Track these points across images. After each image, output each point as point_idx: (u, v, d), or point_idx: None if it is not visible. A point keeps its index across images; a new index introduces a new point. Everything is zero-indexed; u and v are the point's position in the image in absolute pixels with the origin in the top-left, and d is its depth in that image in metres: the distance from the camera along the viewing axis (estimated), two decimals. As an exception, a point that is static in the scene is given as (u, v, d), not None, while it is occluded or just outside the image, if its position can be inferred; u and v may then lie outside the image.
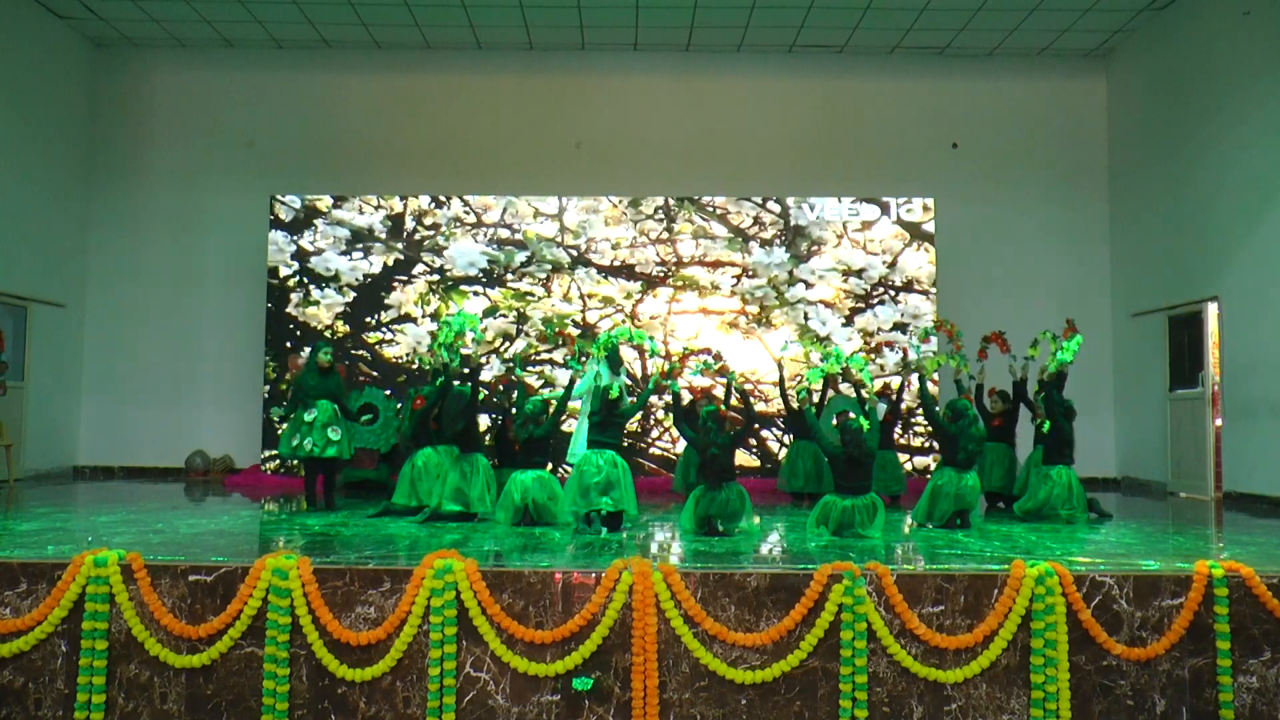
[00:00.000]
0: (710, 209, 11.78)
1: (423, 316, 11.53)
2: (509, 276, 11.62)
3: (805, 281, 11.63)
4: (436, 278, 11.60)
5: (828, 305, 11.60)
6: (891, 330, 11.55)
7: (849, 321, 11.59)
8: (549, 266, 11.63)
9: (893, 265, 11.63)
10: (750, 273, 11.65)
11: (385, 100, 12.51)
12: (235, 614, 4.97)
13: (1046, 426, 8.04)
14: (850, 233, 11.68)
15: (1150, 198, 11.62)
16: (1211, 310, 10.45)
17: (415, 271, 11.61)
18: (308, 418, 7.96)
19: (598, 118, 12.54)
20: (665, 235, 11.71)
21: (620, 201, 11.75)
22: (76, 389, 12.18)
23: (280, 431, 8.58)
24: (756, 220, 11.74)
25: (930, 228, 11.68)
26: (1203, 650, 5.02)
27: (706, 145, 12.49)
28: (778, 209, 11.74)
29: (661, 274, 11.68)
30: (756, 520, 7.19)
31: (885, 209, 11.70)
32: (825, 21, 11.58)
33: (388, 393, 11.20)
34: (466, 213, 11.71)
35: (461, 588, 4.95)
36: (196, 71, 12.52)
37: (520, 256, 11.63)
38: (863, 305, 11.60)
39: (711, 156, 12.46)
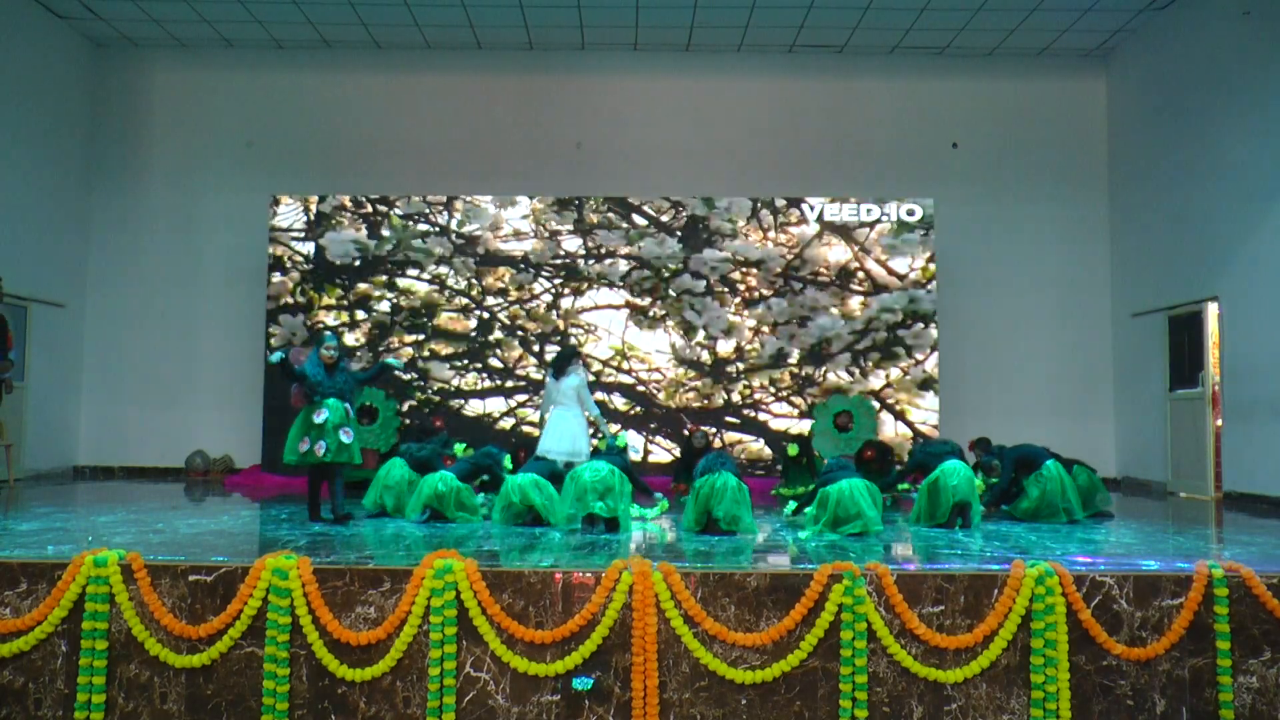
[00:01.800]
0: (626, 201, 11.82)
1: (305, 311, 11.62)
2: (389, 266, 11.66)
3: (694, 272, 11.68)
4: (311, 268, 11.64)
5: (729, 289, 11.68)
6: (788, 322, 11.61)
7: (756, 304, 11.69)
8: (434, 257, 11.67)
9: (799, 257, 11.66)
10: (641, 264, 11.71)
11: (385, 100, 12.51)
12: (235, 614, 4.97)
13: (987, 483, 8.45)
14: (761, 227, 11.74)
15: (1150, 198, 11.62)
16: (1211, 310, 10.45)
17: (288, 263, 11.69)
18: (317, 419, 7.18)
19: (598, 118, 12.53)
20: (559, 228, 11.74)
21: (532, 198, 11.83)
22: (76, 389, 12.18)
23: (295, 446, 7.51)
24: (675, 206, 11.78)
25: (834, 215, 11.66)
26: (1203, 650, 5.02)
27: (706, 145, 12.48)
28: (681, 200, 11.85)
29: (555, 266, 11.71)
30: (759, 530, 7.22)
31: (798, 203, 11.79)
32: (825, 21, 11.58)
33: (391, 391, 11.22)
34: (357, 204, 11.79)
35: (461, 588, 4.95)
36: (196, 71, 12.52)
37: (389, 246, 11.70)
38: (757, 296, 11.67)
39: (711, 156, 12.45)
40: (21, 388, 10.83)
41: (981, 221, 12.42)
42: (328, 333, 7.93)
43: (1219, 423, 10.35)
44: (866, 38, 12.01)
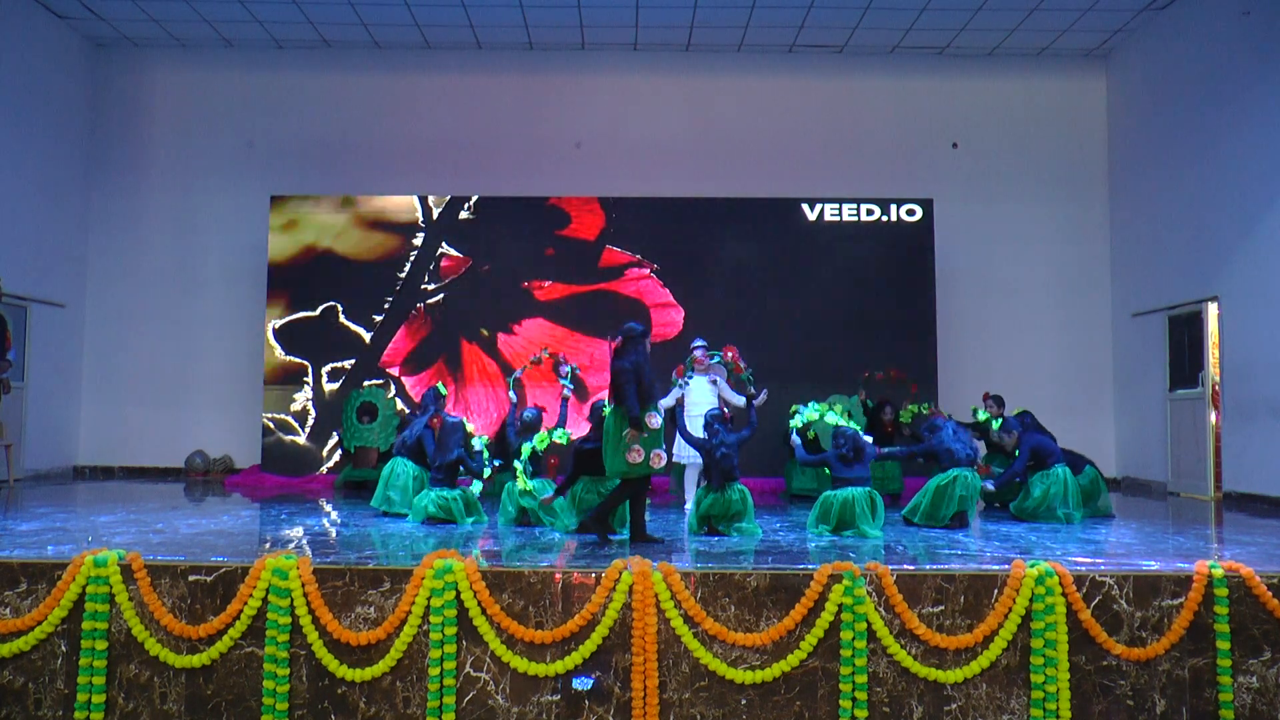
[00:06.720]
0: None
1: None
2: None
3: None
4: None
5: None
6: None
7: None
8: None
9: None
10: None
11: (385, 100, 12.51)
12: (235, 614, 4.97)
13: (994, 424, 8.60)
14: None
15: (1150, 197, 11.62)
16: (1211, 310, 10.45)
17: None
18: (653, 425, 6.23)
19: (598, 118, 12.53)
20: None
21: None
22: (76, 389, 12.18)
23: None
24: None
25: (834, 215, 11.62)
26: (1203, 650, 5.02)
27: (706, 145, 12.48)
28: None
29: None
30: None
31: None
32: (825, 21, 11.57)
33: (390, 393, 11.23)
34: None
35: (461, 588, 4.95)
36: (196, 71, 12.52)
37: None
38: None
39: (711, 156, 12.45)
40: (21, 388, 10.83)
41: (981, 221, 12.42)
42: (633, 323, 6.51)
43: (1219, 423, 10.35)
44: (866, 38, 12.01)
